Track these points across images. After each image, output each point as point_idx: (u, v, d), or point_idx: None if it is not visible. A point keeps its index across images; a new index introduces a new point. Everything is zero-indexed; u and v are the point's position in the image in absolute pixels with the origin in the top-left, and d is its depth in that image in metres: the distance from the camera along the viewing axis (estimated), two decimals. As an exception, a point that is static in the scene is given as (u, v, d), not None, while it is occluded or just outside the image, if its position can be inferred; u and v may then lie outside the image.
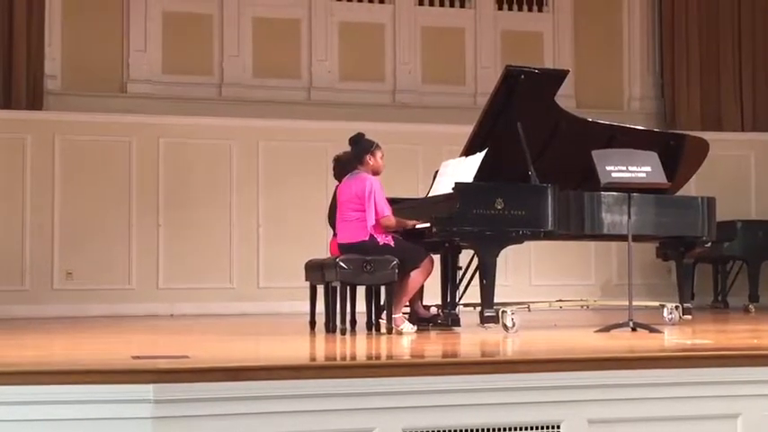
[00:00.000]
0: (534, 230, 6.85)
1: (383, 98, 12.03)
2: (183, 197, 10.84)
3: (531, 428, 4.34)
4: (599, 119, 7.91)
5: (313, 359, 5.14)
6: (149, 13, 11.44)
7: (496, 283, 6.79)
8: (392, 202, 6.98)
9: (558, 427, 4.36)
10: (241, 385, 3.99)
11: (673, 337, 6.26)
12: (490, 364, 4.44)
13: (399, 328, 6.67)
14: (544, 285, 11.24)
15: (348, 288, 6.83)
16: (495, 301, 6.79)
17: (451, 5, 12.32)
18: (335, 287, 6.77)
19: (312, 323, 7.26)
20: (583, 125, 7.58)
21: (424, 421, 4.22)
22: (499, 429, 4.30)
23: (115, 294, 10.52)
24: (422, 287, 7.19)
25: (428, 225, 6.83)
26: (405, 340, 6.21)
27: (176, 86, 11.45)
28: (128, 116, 10.90)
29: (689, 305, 7.81)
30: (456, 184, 6.79)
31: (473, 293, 7.21)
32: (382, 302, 6.84)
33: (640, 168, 6.65)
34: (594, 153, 6.63)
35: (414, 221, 6.98)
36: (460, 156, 7.38)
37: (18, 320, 9.21)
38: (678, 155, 7.88)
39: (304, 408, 4.05)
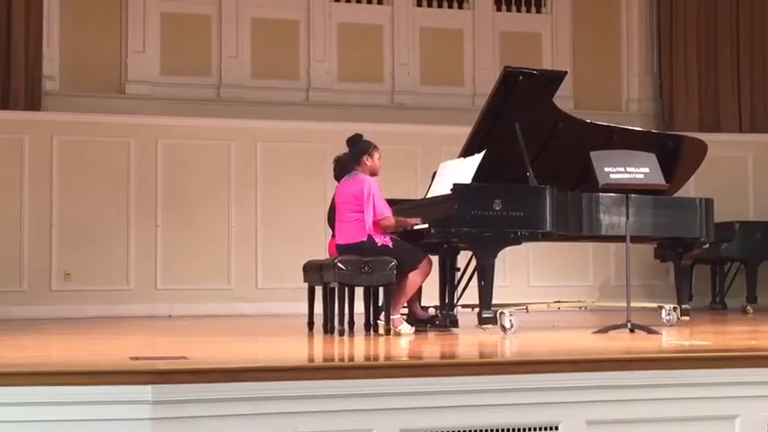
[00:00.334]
0: (532, 231, 6.85)
1: (381, 99, 12.02)
2: (182, 198, 10.82)
3: (530, 429, 4.34)
4: (597, 120, 7.92)
5: (311, 360, 5.14)
6: (148, 13, 11.43)
7: (495, 284, 6.80)
8: (390, 203, 6.98)
9: (557, 428, 4.37)
10: (239, 386, 3.99)
11: (671, 339, 6.26)
12: (488, 366, 4.45)
13: (397, 329, 6.67)
14: (542, 286, 11.23)
15: (346, 289, 6.82)
16: (494, 302, 6.80)
17: (450, 6, 12.32)
18: (334, 288, 6.77)
19: (310, 324, 7.26)
20: (581, 126, 7.58)
21: (421, 422, 4.22)
22: (497, 430, 4.31)
23: (113, 295, 10.50)
24: (420, 288, 7.19)
25: (426, 226, 6.83)
26: (403, 341, 6.21)
27: (175, 87, 11.43)
28: (126, 117, 10.88)
29: (687, 306, 7.82)
30: (454, 185, 6.79)
31: (471, 294, 7.21)
32: (380, 303, 6.84)
33: (639, 169, 6.66)
34: (593, 154, 6.64)
35: (414, 220, 6.98)
36: (459, 157, 7.38)
37: (16, 321, 9.18)
38: (676, 156, 7.89)
39: (302, 409, 4.06)
